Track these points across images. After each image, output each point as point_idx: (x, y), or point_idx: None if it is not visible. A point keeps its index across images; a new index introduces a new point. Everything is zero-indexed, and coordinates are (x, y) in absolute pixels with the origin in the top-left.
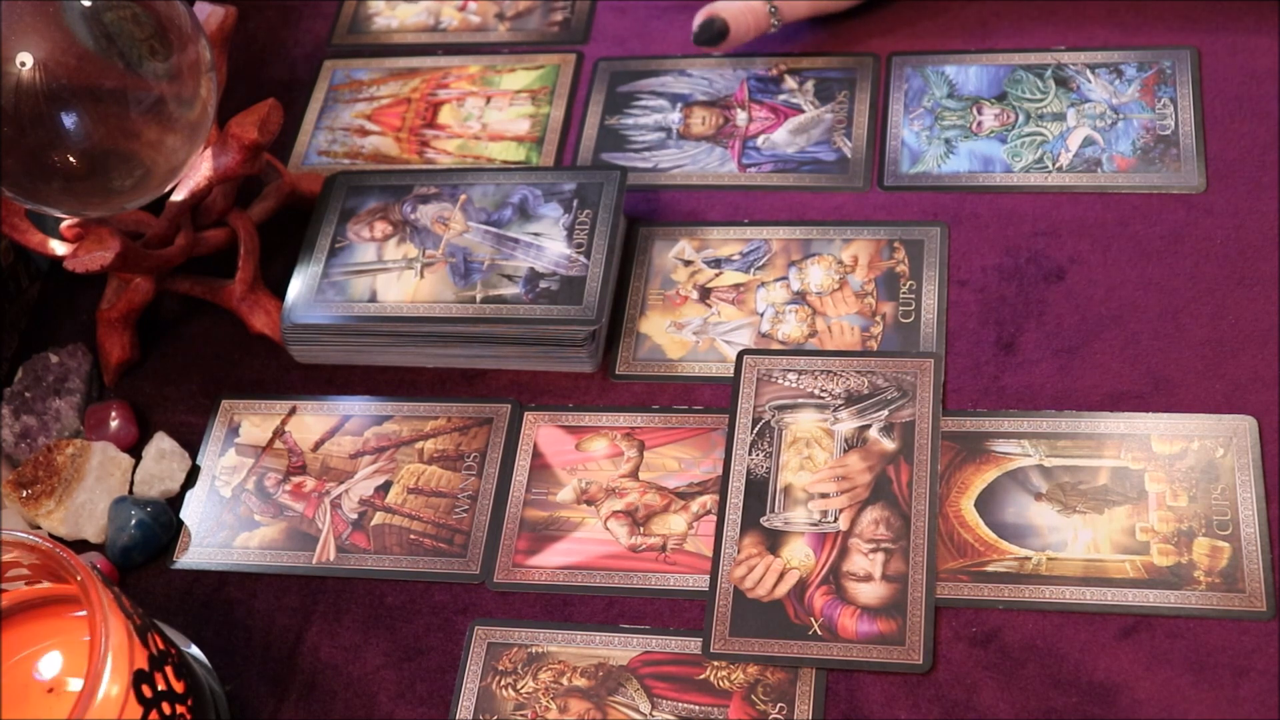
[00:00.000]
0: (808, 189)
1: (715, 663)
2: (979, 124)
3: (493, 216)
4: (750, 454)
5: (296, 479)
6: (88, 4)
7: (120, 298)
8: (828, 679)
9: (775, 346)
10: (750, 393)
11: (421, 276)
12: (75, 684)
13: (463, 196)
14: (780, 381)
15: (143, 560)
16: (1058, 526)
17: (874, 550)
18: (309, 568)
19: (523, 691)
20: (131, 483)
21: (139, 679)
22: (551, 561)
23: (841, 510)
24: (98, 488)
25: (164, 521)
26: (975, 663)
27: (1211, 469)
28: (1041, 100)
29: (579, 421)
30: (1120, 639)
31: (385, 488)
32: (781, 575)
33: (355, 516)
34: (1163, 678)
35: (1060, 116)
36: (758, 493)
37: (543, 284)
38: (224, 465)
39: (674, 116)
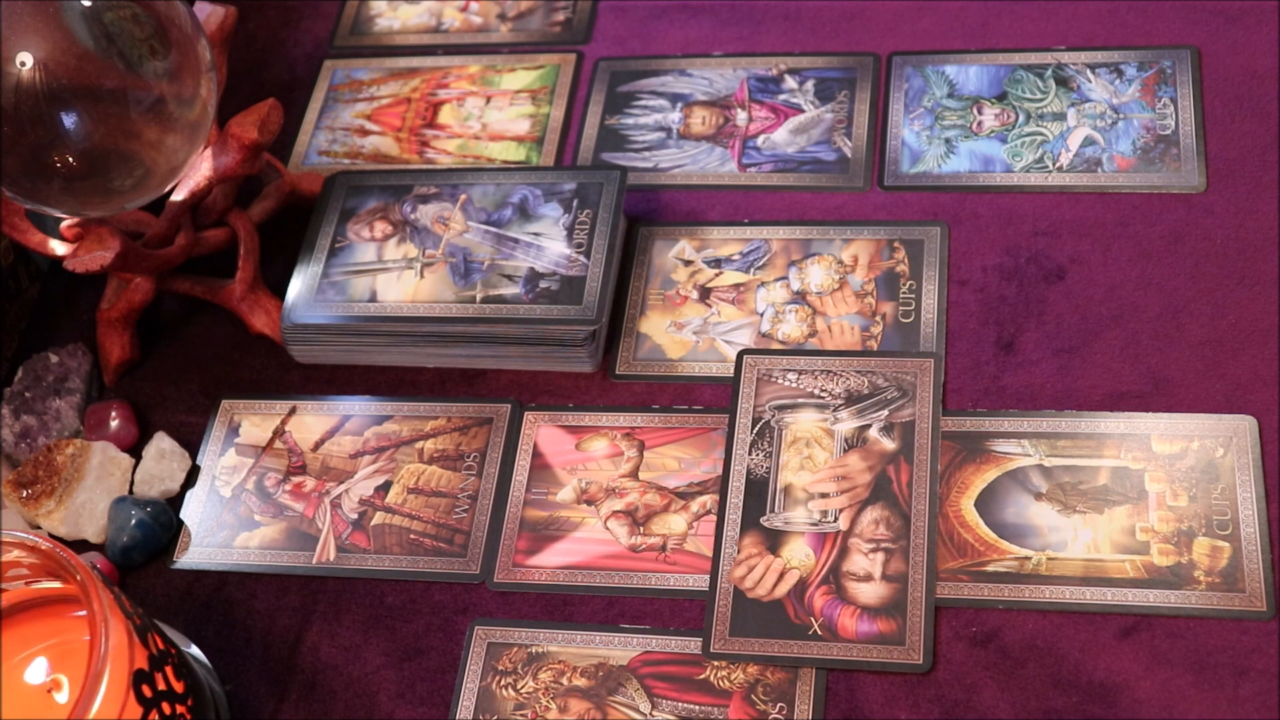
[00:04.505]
0: (808, 189)
1: (715, 662)
2: (979, 124)
3: (493, 216)
4: (750, 454)
5: (296, 479)
6: (88, 4)
7: (120, 298)
8: (828, 679)
9: (775, 346)
10: (750, 393)
11: (421, 276)
12: (74, 684)
13: (463, 196)
14: (780, 381)
15: (143, 560)
16: (1058, 526)
17: (874, 550)
18: (309, 568)
19: (523, 691)
20: (131, 483)
21: (139, 679)
22: (551, 561)
23: (841, 510)
24: (98, 488)
25: (164, 521)
26: (975, 663)
27: (1211, 469)
28: (1042, 100)
29: (579, 421)
30: (1120, 639)
31: (385, 488)
32: (781, 575)
33: (355, 516)
34: (1163, 678)
35: (1060, 116)
36: (758, 493)
37: (543, 284)
38: (224, 465)
39: (674, 116)
